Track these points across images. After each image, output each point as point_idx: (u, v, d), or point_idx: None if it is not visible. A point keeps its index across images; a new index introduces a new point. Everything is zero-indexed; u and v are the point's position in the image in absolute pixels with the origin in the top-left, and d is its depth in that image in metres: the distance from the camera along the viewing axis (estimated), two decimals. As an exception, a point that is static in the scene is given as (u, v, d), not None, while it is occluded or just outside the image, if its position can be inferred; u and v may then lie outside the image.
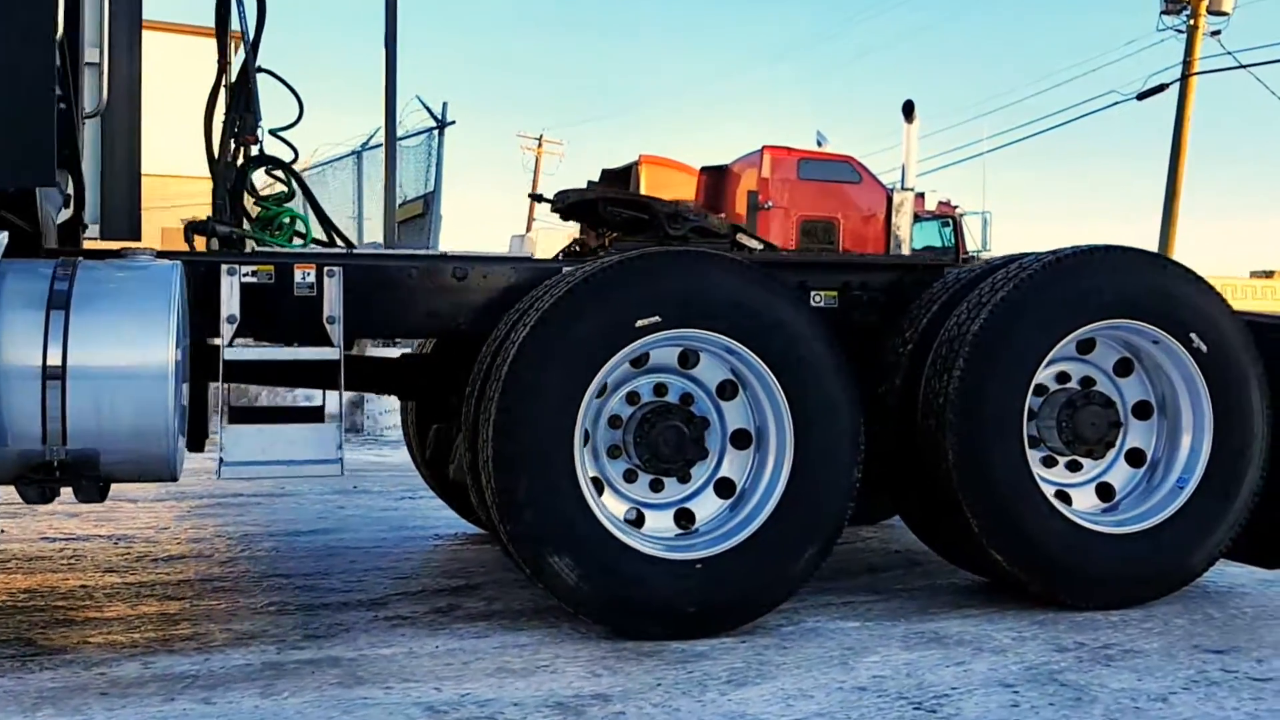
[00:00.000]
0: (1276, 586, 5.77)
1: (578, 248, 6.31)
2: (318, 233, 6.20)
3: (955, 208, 20.22)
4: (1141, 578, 5.27)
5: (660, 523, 5.08)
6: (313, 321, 5.15)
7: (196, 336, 5.05)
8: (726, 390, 5.12)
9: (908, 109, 19.00)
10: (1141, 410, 5.55)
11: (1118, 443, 5.48)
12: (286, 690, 4.11)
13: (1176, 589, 5.36)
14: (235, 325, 5.03)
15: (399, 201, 15.33)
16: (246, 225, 5.91)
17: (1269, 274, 30.41)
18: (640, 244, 5.86)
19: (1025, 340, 5.13)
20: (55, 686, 4.13)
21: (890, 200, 20.01)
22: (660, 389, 5.11)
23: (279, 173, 6.01)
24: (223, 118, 5.89)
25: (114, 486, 4.70)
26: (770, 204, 18.40)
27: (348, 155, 17.21)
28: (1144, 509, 5.39)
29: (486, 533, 6.52)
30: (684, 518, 5.10)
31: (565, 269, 5.23)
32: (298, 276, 5.16)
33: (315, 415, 5.23)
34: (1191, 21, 27.21)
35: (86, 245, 5.33)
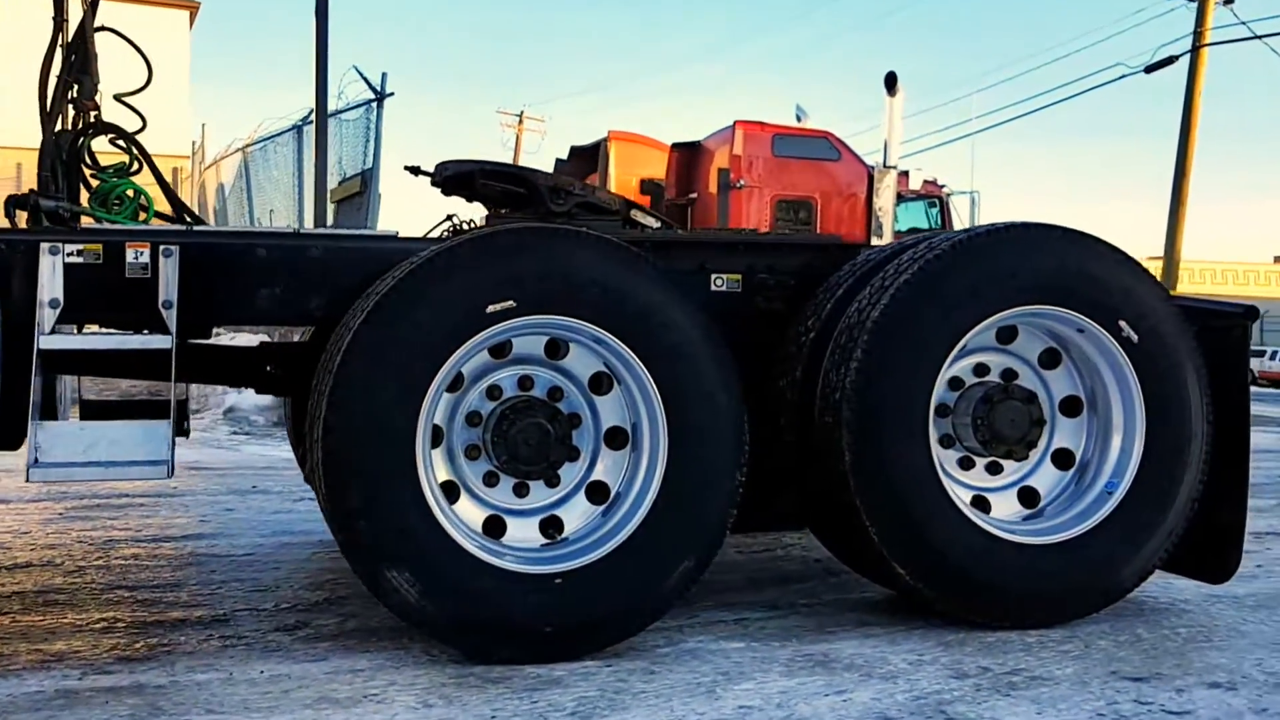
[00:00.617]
0: (1222, 603, 5.45)
1: (465, 225, 5.97)
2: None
3: (942, 187, 19.83)
4: (1063, 594, 4.95)
5: (524, 532, 4.76)
6: (148, 307, 4.83)
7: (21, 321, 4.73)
8: (601, 383, 4.80)
9: (890, 81, 18.69)
10: (1070, 407, 5.22)
11: (1042, 443, 5.16)
12: (64, 724, 3.81)
13: (1103, 606, 5.04)
14: (58, 311, 4.71)
15: (340, 179, 15.02)
16: (86, 201, 5.58)
17: (1296, 258, 30.08)
18: (522, 221, 5.53)
19: (931, 328, 4.79)
20: None
21: (872, 179, 19.76)
22: (526, 382, 4.79)
23: (121, 143, 5.66)
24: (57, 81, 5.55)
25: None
26: (743, 183, 18.04)
27: (288, 130, 16.89)
28: (1070, 516, 5.07)
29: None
30: (552, 526, 4.79)
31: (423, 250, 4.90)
32: (130, 256, 4.83)
33: (160, 411, 4.92)
34: (1202, -11, 26.88)
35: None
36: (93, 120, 5.56)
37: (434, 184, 5.98)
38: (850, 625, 5.03)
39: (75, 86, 5.53)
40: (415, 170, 6.08)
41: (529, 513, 4.79)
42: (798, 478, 5.14)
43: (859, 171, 18.42)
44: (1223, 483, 5.12)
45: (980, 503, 5.13)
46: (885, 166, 17.58)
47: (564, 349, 4.76)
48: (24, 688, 4.15)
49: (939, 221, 19.41)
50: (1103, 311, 4.94)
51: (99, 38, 5.60)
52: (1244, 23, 26.61)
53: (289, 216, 16.71)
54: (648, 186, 16.26)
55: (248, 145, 19.01)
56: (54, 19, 5.58)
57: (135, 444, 4.69)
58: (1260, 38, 26.70)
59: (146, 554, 6.46)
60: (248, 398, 14.57)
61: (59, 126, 5.53)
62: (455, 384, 4.67)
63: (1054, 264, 4.91)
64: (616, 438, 4.81)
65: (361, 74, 14.55)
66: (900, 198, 18.63)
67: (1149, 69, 26.97)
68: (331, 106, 15.02)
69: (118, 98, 5.72)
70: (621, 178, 18.43)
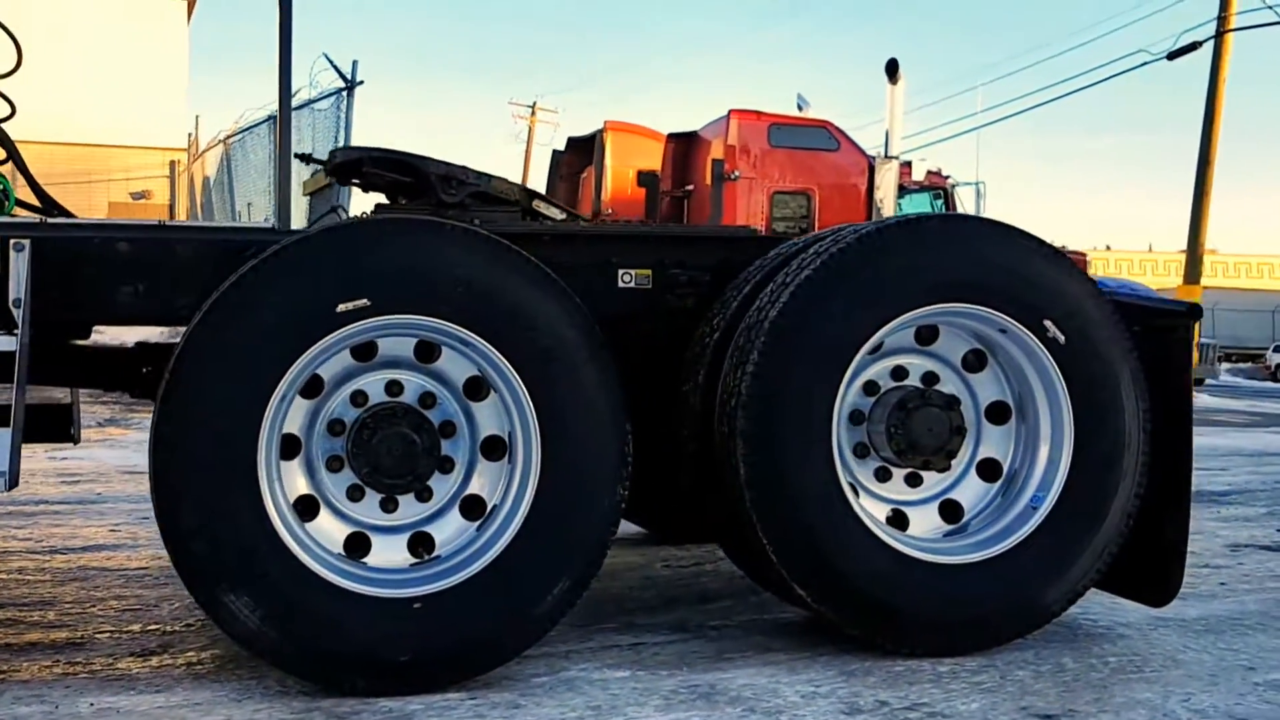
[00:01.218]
0: (1167, 628, 5.08)
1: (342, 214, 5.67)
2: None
3: (947, 178, 19.43)
4: (982, 618, 4.60)
5: (390, 550, 4.45)
6: None
7: None
8: (480, 389, 4.49)
9: (891, 68, 18.23)
10: (997, 413, 4.87)
11: (965, 452, 4.81)
12: None
13: (1027, 631, 4.69)
14: None
15: (313, 171, 14.76)
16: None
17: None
18: (411, 211, 5.22)
19: (835, 328, 4.45)
20: None
21: (872, 170, 19.28)
22: (394, 387, 4.47)
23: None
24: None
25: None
26: (738, 174, 17.68)
27: (264, 121, 16.65)
28: (993, 532, 4.72)
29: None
30: (421, 544, 4.48)
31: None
32: None
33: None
34: (1226, -28, 26.33)
35: None
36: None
37: (327, 173, 5.69)
38: (752, 651, 4.70)
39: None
40: (306, 158, 5.78)
41: (397, 529, 4.48)
42: (699, 490, 4.82)
43: (859, 162, 18.05)
44: (1163, 496, 4.76)
45: (898, 517, 4.80)
46: (887, 157, 17.29)
47: (437, 352, 4.46)
48: None
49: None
50: (1026, 310, 4.59)
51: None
52: (1270, 6, 26.06)
53: (268, 209, 16.48)
54: (644, 178, 15.85)
55: (229, 137, 18.80)
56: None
57: None
58: (1288, 22, 26.14)
59: (35, 567, 6.18)
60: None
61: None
62: (313, 389, 4.37)
63: (972, 259, 4.56)
64: (495, 448, 4.50)
65: (332, 62, 14.29)
66: (903, 189, 18.24)
67: (1172, 55, 26.43)
68: (305, 96, 14.78)
69: (-16, 82, 5.44)
70: (618, 169, 18.11)
